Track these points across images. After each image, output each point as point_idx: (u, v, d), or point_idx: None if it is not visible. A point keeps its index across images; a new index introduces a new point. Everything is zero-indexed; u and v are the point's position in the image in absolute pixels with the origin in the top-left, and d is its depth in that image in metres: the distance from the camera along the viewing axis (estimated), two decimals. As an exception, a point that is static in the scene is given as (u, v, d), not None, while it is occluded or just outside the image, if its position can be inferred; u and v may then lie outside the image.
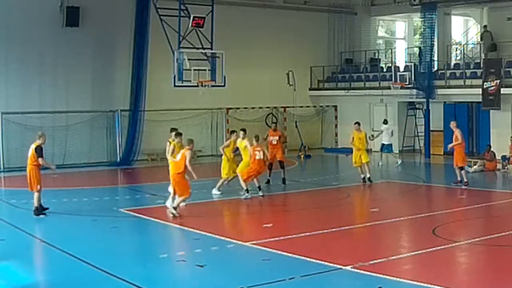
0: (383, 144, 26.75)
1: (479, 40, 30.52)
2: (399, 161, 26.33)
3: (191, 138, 16.50)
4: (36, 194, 15.85)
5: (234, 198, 18.44)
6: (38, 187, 15.80)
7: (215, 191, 18.69)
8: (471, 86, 27.29)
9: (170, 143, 17.21)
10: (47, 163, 16.23)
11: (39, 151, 15.74)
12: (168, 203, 16.34)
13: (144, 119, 27.66)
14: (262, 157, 18.27)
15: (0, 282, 10.53)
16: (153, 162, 27.83)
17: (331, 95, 33.27)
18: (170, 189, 16.34)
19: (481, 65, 27.32)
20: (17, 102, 25.56)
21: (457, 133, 19.96)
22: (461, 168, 19.99)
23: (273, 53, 31.83)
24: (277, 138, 20.84)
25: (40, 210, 15.88)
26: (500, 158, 24.10)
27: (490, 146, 24.72)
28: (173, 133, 17.46)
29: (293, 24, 32.54)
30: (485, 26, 29.58)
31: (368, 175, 20.96)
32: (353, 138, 21.11)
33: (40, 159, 15.70)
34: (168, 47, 24.29)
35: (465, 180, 19.85)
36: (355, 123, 21.44)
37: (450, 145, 20.39)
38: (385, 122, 27.50)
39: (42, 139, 16.00)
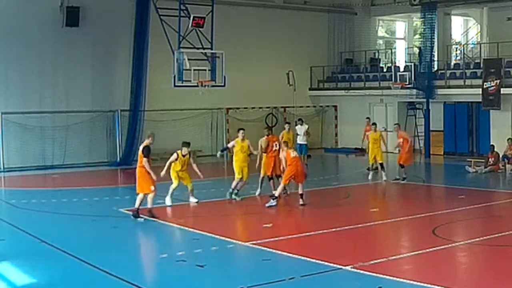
0: None
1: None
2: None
3: None
4: (141, 196, 15.24)
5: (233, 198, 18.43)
6: (152, 188, 15.23)
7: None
8: (471, 86, 27.28)
9: None
10: (149, 167, 15.25)
11: (146, 151, 15.28)
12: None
13: (144, 119, 27.59)
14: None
15: (0, 282, 10.53)
16: (153, 162, 27.59)
17: (331, 95, 33.26)
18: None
19: (481, 65, 27.31)
20: (17, 102, 25.50)
21: (401, 134, 21.54)
22: (401, 166, 21.04)
23: (273, 53, 31.80)
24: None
25: (137, 214, 15.28)
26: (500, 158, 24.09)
27: (493, 147, 24.42)
28: None
29: (293, 24, 32.54)
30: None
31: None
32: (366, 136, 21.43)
33: (144, 159, 15.21)
34: (168, 47, 24.27)
35: (399, 177, 21.02)
36: (372, 124, 22.36)
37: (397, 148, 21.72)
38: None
39: (151, 138, 15.64)
